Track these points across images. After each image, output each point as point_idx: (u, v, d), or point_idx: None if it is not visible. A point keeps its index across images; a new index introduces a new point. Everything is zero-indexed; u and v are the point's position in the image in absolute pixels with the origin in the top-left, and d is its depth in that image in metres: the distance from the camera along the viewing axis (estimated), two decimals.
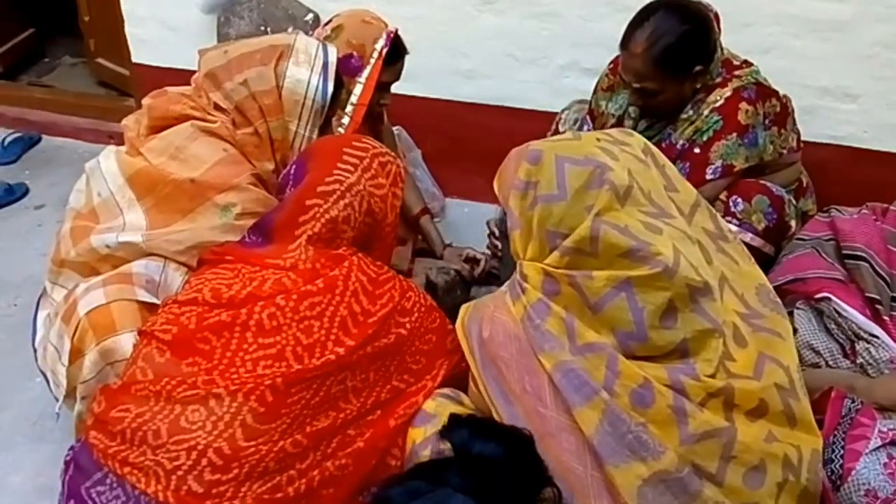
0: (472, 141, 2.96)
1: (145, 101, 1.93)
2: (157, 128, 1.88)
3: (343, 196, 1.57)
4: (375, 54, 2.17)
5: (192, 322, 1.46)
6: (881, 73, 2.46)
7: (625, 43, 2.09)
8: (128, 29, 3.27)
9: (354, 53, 2.14)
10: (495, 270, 2.48)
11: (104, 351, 1.64)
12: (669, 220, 1.45)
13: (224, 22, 3.01)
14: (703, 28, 2.09)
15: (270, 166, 1.87)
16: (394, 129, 2.70)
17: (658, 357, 1.36)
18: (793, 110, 2.28)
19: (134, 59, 3.33)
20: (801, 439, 1.36)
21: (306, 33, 2.94)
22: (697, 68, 2.10)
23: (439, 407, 1.51)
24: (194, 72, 3.21)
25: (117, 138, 3.55)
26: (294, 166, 1.66)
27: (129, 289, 1.70)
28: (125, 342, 1.64)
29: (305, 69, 1.85)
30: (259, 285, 1.48)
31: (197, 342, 1.44)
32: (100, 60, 3.76)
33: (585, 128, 2.44)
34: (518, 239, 1.47)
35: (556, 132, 2.55)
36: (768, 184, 2.20)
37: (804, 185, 2.35)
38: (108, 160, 1.86)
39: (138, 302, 1.69)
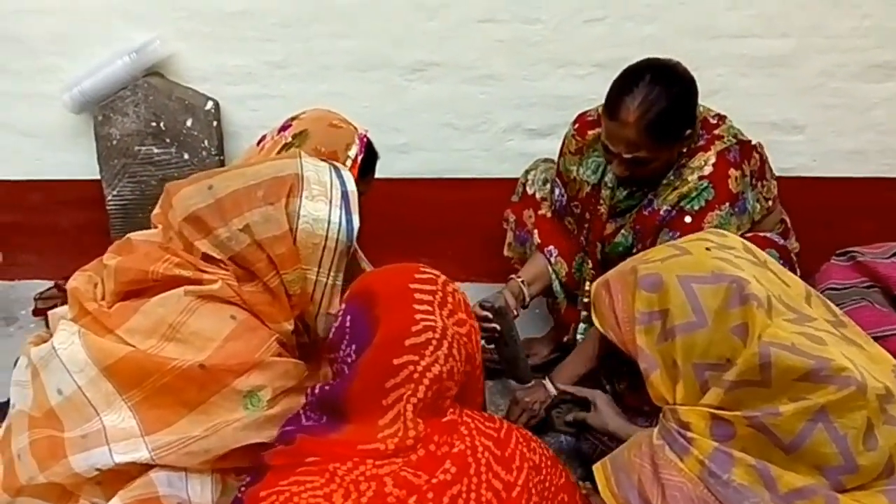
0: (414, 219, 2.70)
1: (108, 260, 1.49)
2: (127, 294, 1.46)
3: (440, 345, 1.23)
4: (349, 162, 1.79)
5: None
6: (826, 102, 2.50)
7: (613, 112, 1.91)
8: None
9: None
10: (490, 354, 2.22)
11: None
12: (814, 324, 1.29)
13: (102, 121, 2.54)
14: (690, 90, 1.97)
15: (289, 327, 1.49)
16: None
17: (867, 484, 1.21)
18: (766, 158, 2.22)
19: None
20: None
21: (209, 124, 2.60)
22: (688, 132, 1.98)
23: None
24: (64, 182, 2.82)
25: None
26: (349, 316, 1.29)
27: None
28: None
29: (323, 203, 1.47)
30: (377, 489, 1.13)
31: None
32: None
33: (557, 191, 2.26)
34: (660, 382, 1.27)
35: (524, 195, 2.35)
36: (769, 235, 2.11)
37: (788, 225, 2.29)
38: (70, 345, 1.40)
39: None
